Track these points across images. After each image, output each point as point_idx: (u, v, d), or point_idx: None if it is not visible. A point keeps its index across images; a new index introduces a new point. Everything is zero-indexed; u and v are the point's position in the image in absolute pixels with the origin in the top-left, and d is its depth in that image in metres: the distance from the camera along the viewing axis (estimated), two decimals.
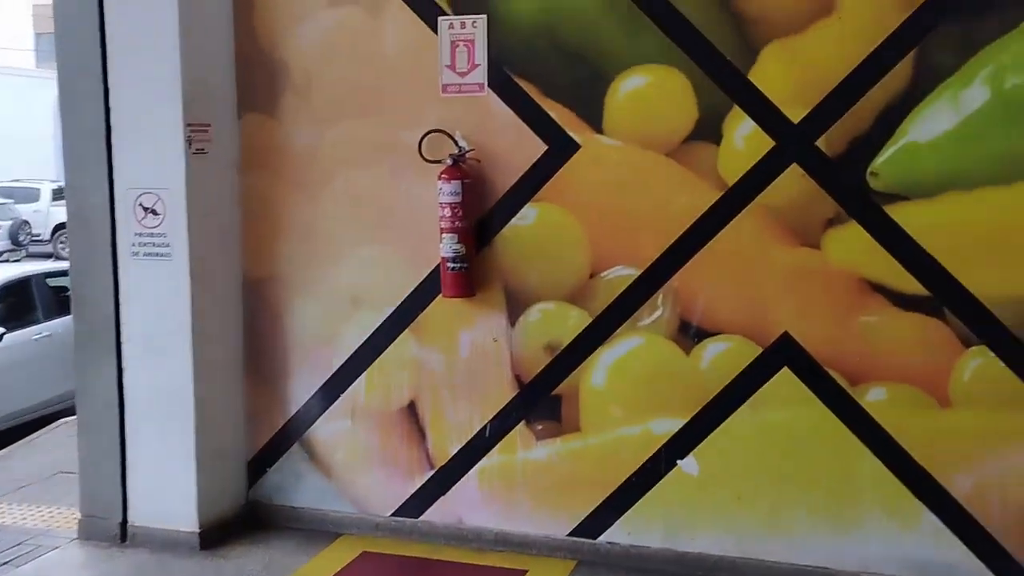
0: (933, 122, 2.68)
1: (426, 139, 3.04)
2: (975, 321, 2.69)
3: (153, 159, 3.09)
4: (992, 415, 2.70)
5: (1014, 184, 2.62)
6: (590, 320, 2.99)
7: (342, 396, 3.26)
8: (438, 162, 3.01)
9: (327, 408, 3.29)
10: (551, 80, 2.96)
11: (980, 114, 2.64)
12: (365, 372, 3.23)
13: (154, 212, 3.11)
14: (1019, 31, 2.59)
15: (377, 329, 3.19)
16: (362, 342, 3.21)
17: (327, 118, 3.18)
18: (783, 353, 2.84)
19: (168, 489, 3.19)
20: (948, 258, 2.69)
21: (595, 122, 2.93)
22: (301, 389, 3.31)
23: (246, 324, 3.34)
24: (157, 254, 3.12)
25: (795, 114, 2.77)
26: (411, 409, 3.20)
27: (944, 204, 2.69)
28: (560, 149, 2.97)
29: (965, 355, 2.70)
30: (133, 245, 3.14)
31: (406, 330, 3.17)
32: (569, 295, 3.01)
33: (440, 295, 3.08)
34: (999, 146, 2.63)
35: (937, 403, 2.73)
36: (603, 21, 2.90)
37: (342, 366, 3.25)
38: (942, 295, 2.71)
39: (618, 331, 2.97)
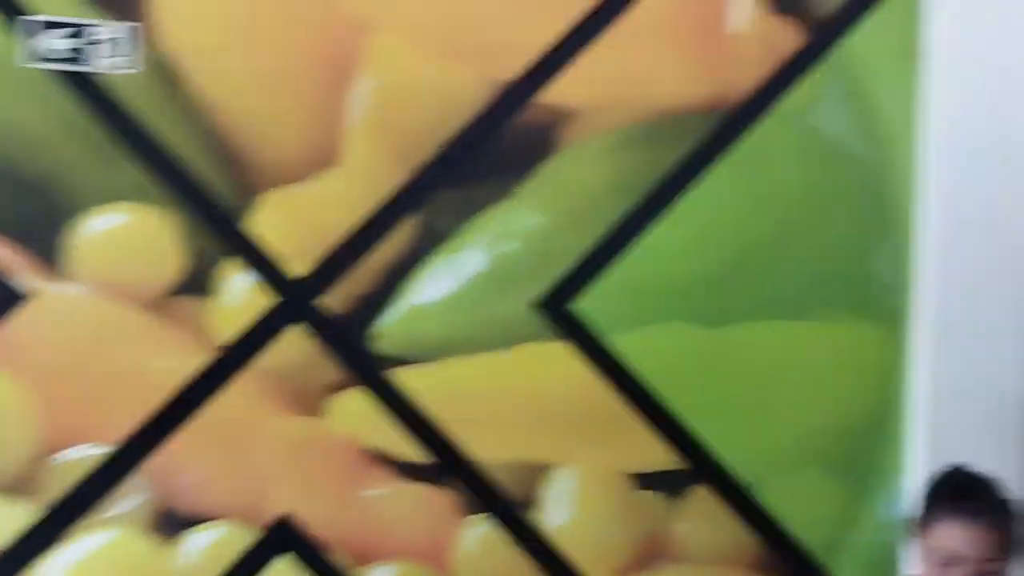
0: (433, 285, 2.64)
1: None
2: (475, 488, 2.65)
3: None
4: None
5: (510, 349, 2.67)
6: (40, 515, 2.36)
7: None
8: None
9: None
10: None
11: (478, 279, 2.66)
12: None
13: None
14: (512, 200, 2.68)
15: None
16: None
17: None
18: (282, 537, 2.51)
19: None
20: (450, 424, 2.63)
21: (54, 266, 2.39)
22: None
23: None
24: None
25: (296, 269, 2.54)
26: None
27: (446, 369, 2.64)
28: (3, 298, 2.36)
29: (467, 523, 2.64)
30: None
31: None
32: (11, 484, 2.36)
33: None
34: (496, 311, 2.67)
35: None
36: (67, 147, 2.40)
37: None
38: (445, 462, 2.63)
39: (77, 527, 2.39)
